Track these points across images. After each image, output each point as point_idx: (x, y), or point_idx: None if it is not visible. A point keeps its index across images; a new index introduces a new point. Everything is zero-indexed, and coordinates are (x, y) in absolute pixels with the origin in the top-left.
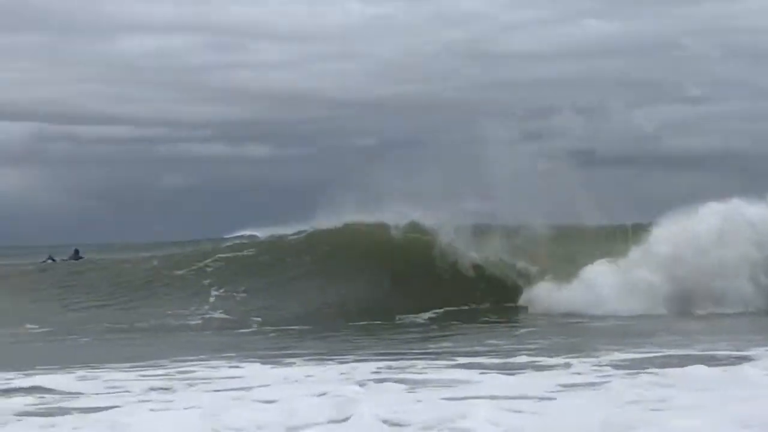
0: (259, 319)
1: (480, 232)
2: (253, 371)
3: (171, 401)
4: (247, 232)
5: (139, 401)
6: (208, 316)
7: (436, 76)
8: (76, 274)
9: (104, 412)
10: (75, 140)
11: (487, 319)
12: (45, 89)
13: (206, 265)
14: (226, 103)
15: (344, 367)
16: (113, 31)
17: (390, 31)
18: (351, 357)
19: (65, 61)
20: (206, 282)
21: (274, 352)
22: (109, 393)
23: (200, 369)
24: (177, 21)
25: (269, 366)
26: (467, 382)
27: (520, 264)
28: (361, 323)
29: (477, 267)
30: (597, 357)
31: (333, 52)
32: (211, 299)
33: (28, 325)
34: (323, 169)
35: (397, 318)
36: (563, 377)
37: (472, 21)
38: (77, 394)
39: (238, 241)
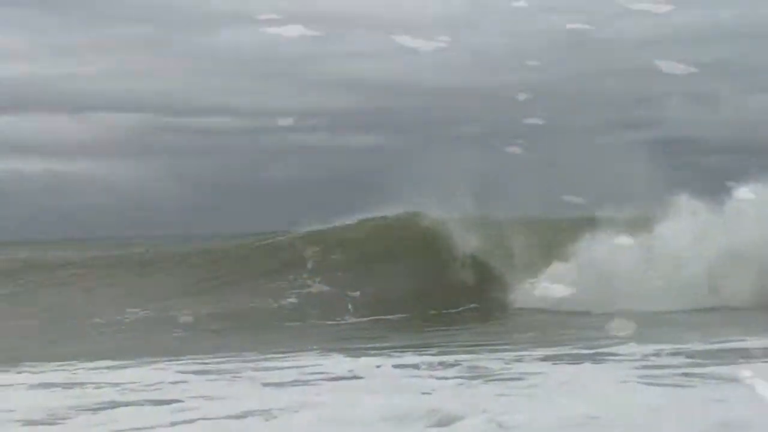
0: (355, 295)
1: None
2: (338, 365)
3: (230, 399)
4: (351, 221)
5: (201, 397)
6: (303, 302)
7: (544, 64)
8: (181, 259)
9: (158, 407)
10: (182, 131)
11: (573, 308)
12: (152, 81)
13: (302, 251)
14: (329, 93)
15: (426, 360)
16: (218, 23)
17: (497, 18)
18: (435, 350)
19: (172, 53)
20: (302, 267)
21: (362, 344)
22: (177, 386)
23: (281, 362)
24: (280, 12)
25: (354, 359)
26: (540, 374)
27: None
28: (456, 310)
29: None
30: (680, 347)
31: (437, 40)
32: (306, 287)
33: (129, 310)
34: (426, 157)
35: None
36: (642, 369)
37: (584, 6)
38: (145, 389)
39: (336, 227)
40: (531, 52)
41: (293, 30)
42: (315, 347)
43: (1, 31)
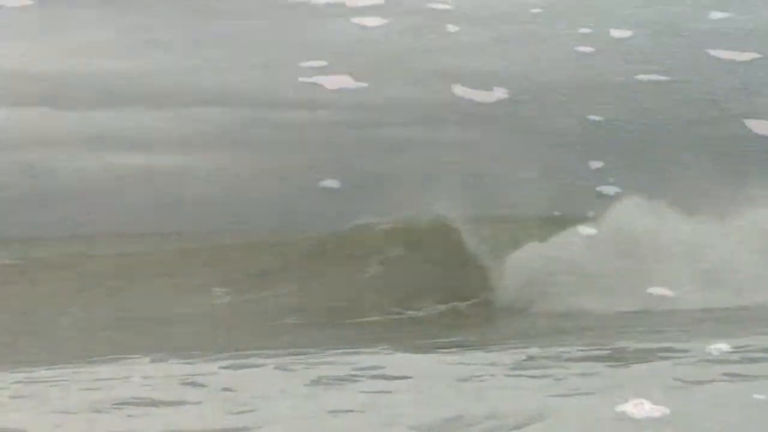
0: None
1: None
2: (396, 362)
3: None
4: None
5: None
6: (377, 294)
7: (634, 57)
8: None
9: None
10: (277, 125)
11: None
12: (246, 75)
13: (379, 242)
14: (424, 86)
15: (490, 357)
16: (313, 17)
17: (586, 10)
18: (498, 347)
19: (265, 47)
20: (377, 259)
21: (430, 339)
22: (216, 383)
23: (338, 358)
24: (376, 5)
25: (415, 355)
26: (596, 374)
27: None
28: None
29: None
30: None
31: (530, 33)
32: (382, 279)
33: (215, 289)
34: (519, 152)
35: None
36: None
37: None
38: (180, 386)
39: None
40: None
41: (391, 23)
42: (384, 343)
43: (97, 28)
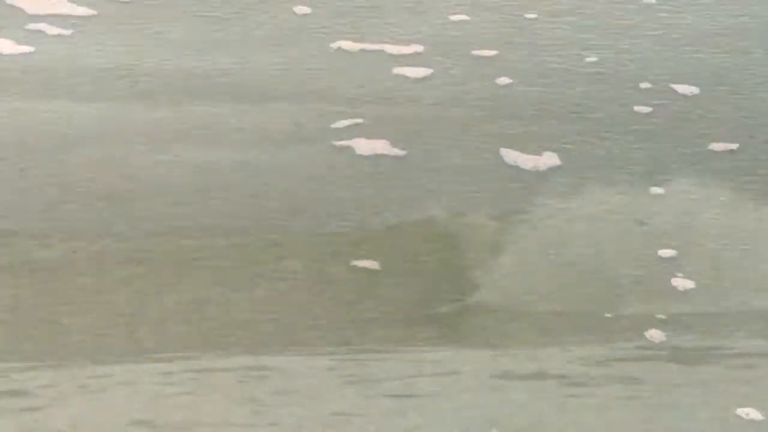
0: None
1: None
2: (437, 362)
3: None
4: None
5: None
6: (429, 290)
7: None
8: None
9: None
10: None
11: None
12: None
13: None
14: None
15: (535, 356)
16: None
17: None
18: (541, 349)
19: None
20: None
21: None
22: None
23: (386, 355)
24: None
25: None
26: (635, 380)
27: None
28: None
29: None
30: None
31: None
32: (425, 276)
33: (287, 262)
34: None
35: None
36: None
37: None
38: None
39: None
40: (732, 38)
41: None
42: (428, 340)
43: (179, 25)
